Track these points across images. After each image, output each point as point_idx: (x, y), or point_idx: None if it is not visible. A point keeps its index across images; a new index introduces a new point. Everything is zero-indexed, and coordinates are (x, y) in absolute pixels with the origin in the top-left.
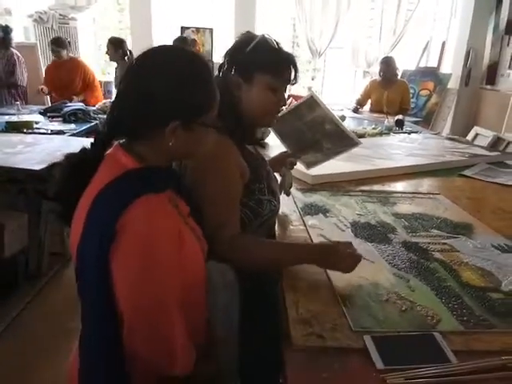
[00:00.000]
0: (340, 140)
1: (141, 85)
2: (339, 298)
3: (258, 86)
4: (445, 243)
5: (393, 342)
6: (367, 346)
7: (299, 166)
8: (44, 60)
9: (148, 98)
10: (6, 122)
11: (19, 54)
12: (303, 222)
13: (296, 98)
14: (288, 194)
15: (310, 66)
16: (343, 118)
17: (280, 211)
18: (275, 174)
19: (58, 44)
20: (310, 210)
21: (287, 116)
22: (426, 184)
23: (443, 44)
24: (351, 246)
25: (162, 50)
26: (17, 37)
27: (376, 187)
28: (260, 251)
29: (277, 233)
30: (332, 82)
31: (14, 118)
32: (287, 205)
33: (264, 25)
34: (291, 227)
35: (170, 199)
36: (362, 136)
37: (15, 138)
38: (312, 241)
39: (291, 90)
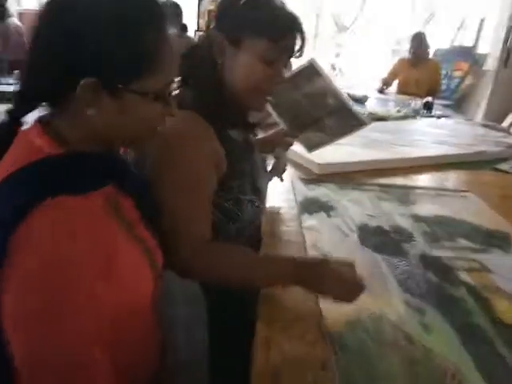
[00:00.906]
0: (345, 118)
1: (46, 23)
2: (328, 338)
3: (247, 54)
4: (474, 259)
5: None
6: None
7: (302, 150)
8: None
9: (52, 40)
10: None
11: (17, 24)
12: (300, 222)
13: None
14: (282, 179)
15: (333, 41)
16: (365, 98)
17: (272, 205)
18: (268, 155)
19: None
20: (311, 206)
21: (283, 85)
22: (453, 178)
23: (481, 21)
24: (353, 267)
25: None
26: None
27: (396, 180)
28: (228, 264)
29: (263, 236)
30: (357, 59)
31: None
32: (284, 197)
33: None
34: (284, 228)
35: (106, 199)
36: (384, 119)
37: None
38: (305, 249)
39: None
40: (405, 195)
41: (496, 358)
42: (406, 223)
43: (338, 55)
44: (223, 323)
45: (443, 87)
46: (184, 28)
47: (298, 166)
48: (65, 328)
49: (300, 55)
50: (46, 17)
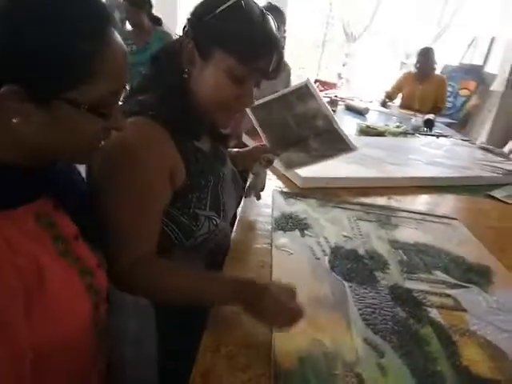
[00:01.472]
0: (332, 142)
1: None
2: (273, 373)
3: (215, 68)
4: (448, 295)
5: None
6: None
7: (279, 164)
8: None
9: None
10: None
11: None
12: (271, 239)
13: (323, 84)
14: (258, 197)
15: (342, 50)
16: (366, 110)
17: (247, 217)
18: (245, 170)
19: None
20: (286, 223)
21: (274, 103)
22: (442, 203)
23: (492, 40)
24: (293, 293)
25: None
26: None
27: (379, 200)
28: (167, 280)
29: (230, 250)
30: (365, 70)
31: None
32: (261, 211)
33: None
34: (254, 245)
35: (37, 215)
36: (381, 134)
37: None
38: (271, 269)
39: (318, 74)
40: (387, 217)
41: None
42: (382, 248)
43: (345, 64)
44: (172, 337)
45: (449, 105)
46: (156, 21)
47: (281, 177)
48: None
49: (274, 77)
50: None
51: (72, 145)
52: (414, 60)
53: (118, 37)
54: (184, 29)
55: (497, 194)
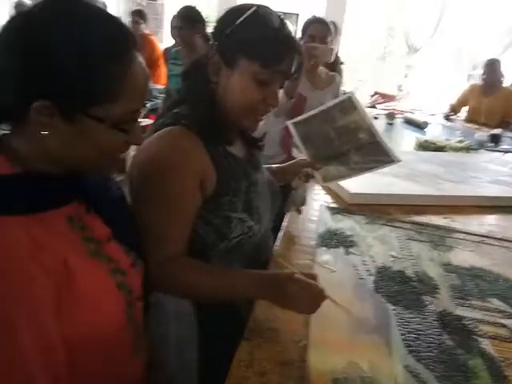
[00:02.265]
0: (373, 154)
1: (8, 46)
2: None
3: (241, 75)
4: (503, 325)
5: None
6: None
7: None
8: None
9: (9, 59)
10: None
11: None
12: (314, 256)
13: (383, 96)
14: (299, 212)
15: (403, 61)
16: (425, 124)
17: (290, 236)
18: (286, 185)
19: (140, 16)
20: (331, 239)
21: (315, 117)
22: (504, 225)
23: None
24: (315, 278)
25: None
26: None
27: (434, 220)
28: (188, 276)
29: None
30: (427, 82)
31: None
32: (303, 228)
33: (356, 11)
34: (295, 260)
35: (69, 219)
36: (441, 149)
37: None
38: None
39: (378, 87)
40: (441, 238)
41: None
42: (433, 271)
43: (406, 76)
44: (212, 346)
45: None
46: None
47: (329, 192)
48: (3, 357)
49: (297, 76)
50: (6, 35)
51: (94, 157)
52: (480, 71)
53: (140, 59)
54: (209, 42)
55: None
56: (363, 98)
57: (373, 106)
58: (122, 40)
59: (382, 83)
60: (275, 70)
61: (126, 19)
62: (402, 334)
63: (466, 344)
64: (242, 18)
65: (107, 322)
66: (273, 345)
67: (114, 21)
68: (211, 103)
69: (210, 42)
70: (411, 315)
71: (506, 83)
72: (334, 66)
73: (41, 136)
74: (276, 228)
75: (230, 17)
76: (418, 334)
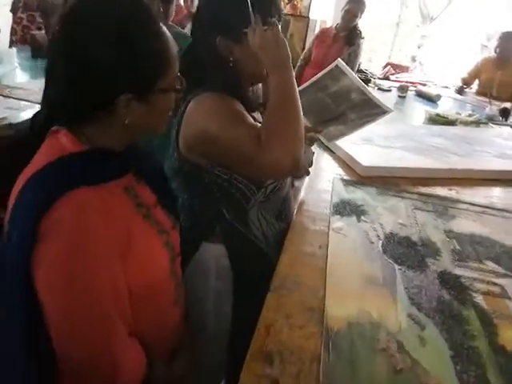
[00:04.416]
0: (366, 109)
1: (72, 53)
2: (324, 333)
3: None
4: (496, 283)
5: None
6: None
7: (350, 150)
8: None
9: (84, 71)
10: None
11: None
12: (329, 222)
13: (395, 67)
14: (308, 173)
15: (417, 31)
16: (438, 97)
17: (307, 205)
18: None
19: None
20: (344, 208)
21: (309, 88)
22: (507, 197)
23: None
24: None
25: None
26: None
27: (439, 191)
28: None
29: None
30: (441, 53)
31: None
32: (319, 197)
33: None
34: (311, 226)
35: (125, 188)
36: (452, 123)
37: None
38: (327, 248)
39: (390, 57)
40: (445, 208)
41: (481, 383)
42: (437, 237)
43: (420, 46)
44: (246, 291)
45: None
46: None
47: (342, 164)
48: (84, 297)
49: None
50: (66, 53)
51: (157, 121)
52: (495, 43)
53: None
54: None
55: None
56: (375, 69)
57: (385, 78)
58: (155, 20)
59: (394, 54)
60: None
61: None
62: (406, 289)
63: (462, 298)
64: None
65: (156, 275)
66: (296, 295)
67: (143, 7)
68: (238, 78)
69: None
70: (415, 274)
71: None
72: (354, 39)
73: (121, 122)
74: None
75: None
76: (420, 289)
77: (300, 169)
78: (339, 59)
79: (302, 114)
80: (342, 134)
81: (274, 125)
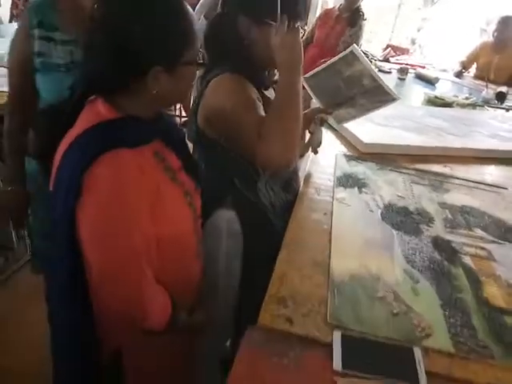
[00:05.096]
0: (376, 95)
1: (111, 30)
2: (330, 282)
3: (268, 33)
4: (483, 248)
5: (363, 346)
6: (333, 342)
7: (352, 129)
8: None
9: (122, 45)
10: None
11: None
12: (333, 193)
13: (395, 49)
14: (315, 152)
15: (418, 14)
16: (437, 79)
17: (313, 177)
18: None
19: None
20: (347, 181)
21: (323, 71)
22: (497, 174)
23: None
24: None
25: None
26: None
27: (434, 167)
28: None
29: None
30: (441, 36)
31: None
32: (323, 171)
33: None
34: (316, 196)
35: (155, 152)
36: (449, 105)
37: None
38: (332, 215)
39: (391, 39)
40: (440, 183)
41: (467, 327)
42: (431, 208)
43: (420, 29)
44: (253, 254)
45: None
46: None
47: (345, 141)
48: (120, 244)
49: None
50: (102, 28)
51: (184, 92)
52: (493, 27)
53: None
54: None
55: None
56: (376, 51)
57: (385, 60)
58: (180, 2)
59: (395, 36)
60: (299, 19)
61: None
62: (403, 251)
63: (452, 259)
64: None
65: (181, 229)
66: (305, 251)
67: None
68: (252, 59)
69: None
70: (410, 238)
71: None
72: (356, 20)
73: (153, 93)
74: None
75: None
76: (415, 251)
77: (292, 166)
78: (354, 45)
79: (301, 117)
80: (352, 117)
81: (273, 124)
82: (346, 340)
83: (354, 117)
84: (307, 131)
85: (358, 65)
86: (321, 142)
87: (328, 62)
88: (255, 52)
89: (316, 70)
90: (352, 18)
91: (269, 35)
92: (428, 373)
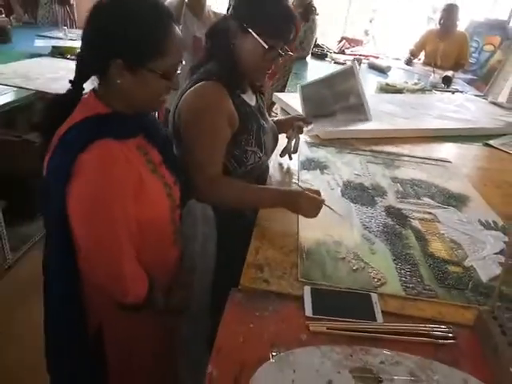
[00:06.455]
0: (355, 114)
1: (92, 19)
2: (299, 249)
3: (252, 41)
4: (430, 212)
5: (329, 296)
6: (304, 294)
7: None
8: None
9: (95, 32)
10: (53, 47)
11: None
12: (298, 175)
13: (349, 41)
14: (290, 158)
15: (368, 5)
16: (388, 68)
17: (280, 163)
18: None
19: None
20: (310, 165)
21: (320, 82)
22: (442, 150)
23: None
24: (318, 192)
25: None
26: None
27: (387, 148)
28: (235, 192)
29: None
30: (391, 26)
31: (61, 43)
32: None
33: None
34: (286, 179)
35: (138, 146)
36: (400, 91)
37: (59, 63)
38: None
39: (345, 31)
40: (391, 161)
41: (415, 276)
42: (384, 183)
43: (371, 20)
44: (226, 239)
45: (473, 61)
46: None
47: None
48: (104, 219)
49: (293, 40)
50: (90, 20)
51: (147, 98)
52: (439, 15)
53: (177, 27)
54: (228, 11)
55: (493, 142)
56: (331, 44)
57: (341, 52)
58: (165, 15)
59: (348, 28)
60: (280, 40)
61: None
62: (360, 219)
63: (402, 223)
64: None
65: (159, 217)
66: (276, 226)
67: (156, 4)
68: (232, 61)
69: (230, 11)
70: (367, 209)
71: (460, 27)
72: (309, 15)
73: (116, 83)
74: None
75: None
76: (371, 219)
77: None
78: (355, 62)
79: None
80: (324, 127)
81: (233, 195)
82: (314, 292)
83: (326, 128)
84: (285, 136)
85: (352, 80)
86: (297, 149)
87: (328, 75)
88: (238, 56)
89: (315, 79)
90: (305, 13)
91: (250, 44)
92: (384, 312)
